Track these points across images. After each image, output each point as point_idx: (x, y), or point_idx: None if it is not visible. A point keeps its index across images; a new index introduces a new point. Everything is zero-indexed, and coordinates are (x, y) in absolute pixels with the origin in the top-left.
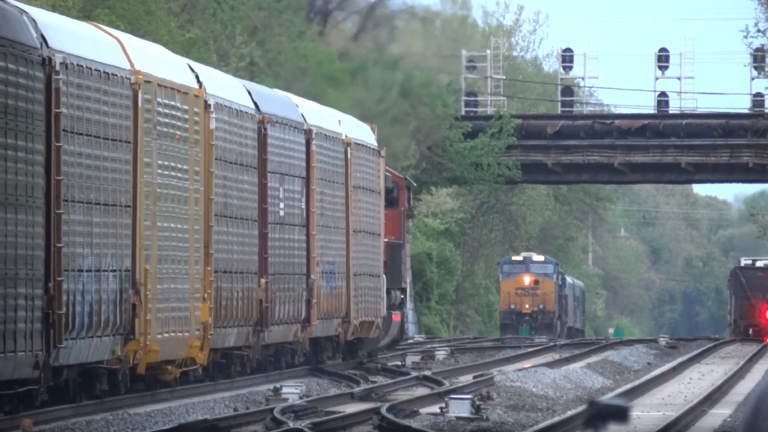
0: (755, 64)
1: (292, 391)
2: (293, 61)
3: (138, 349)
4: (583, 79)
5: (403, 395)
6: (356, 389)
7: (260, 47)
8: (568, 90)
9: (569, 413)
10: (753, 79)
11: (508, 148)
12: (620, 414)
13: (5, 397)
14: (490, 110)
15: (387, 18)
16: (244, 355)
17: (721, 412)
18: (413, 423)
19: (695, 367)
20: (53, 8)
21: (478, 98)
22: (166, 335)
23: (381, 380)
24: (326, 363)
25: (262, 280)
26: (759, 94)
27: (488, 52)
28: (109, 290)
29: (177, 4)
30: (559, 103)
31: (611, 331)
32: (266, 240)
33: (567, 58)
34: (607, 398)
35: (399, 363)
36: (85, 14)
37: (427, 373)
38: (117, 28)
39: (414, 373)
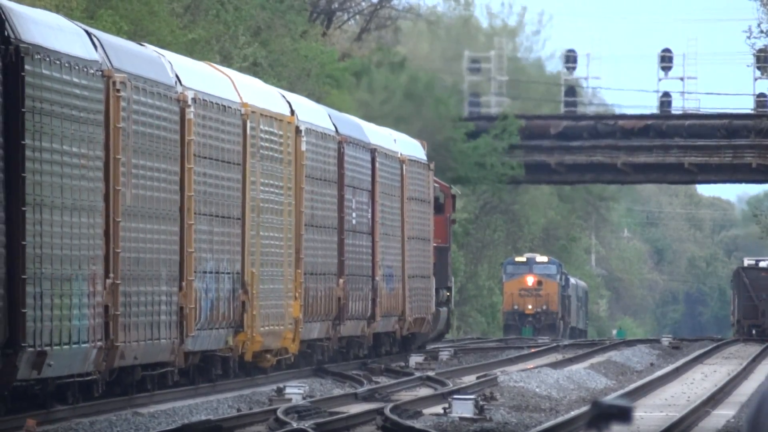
0: (758, 65)
1: (296, 391)
2: (296, 62)
3: (246, 340)
4: (586, 79)
5: (406, 396)
6: (360, 390)
7: (263, 48)
8: (571, 90)
9: (572, 414)
10: (756, 79)
11: (511, 147)
12: (623, 414)
13: (148, 377)
14: (493, 110)
15: (391, 19)
16: (324, 345)
17: (724, 413)
18: (416, 423)
19: (698, 367)
20: (56, 9)
21: (481, 98)
22: (267, 328)
23: (384, 381)
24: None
25: (340, 280)
26: (762, 95)
27: (492, 52)
28: (225, 289)
29: (180, 4)
30: (563, 104)
31: (614, 331)
32: (343, 245)
33: (570, 58)
34: (610, 399)
35: (402, 363)
36: (89, 15)
37: (431, 373)
38: (120, 28)
39: (417, 374)
